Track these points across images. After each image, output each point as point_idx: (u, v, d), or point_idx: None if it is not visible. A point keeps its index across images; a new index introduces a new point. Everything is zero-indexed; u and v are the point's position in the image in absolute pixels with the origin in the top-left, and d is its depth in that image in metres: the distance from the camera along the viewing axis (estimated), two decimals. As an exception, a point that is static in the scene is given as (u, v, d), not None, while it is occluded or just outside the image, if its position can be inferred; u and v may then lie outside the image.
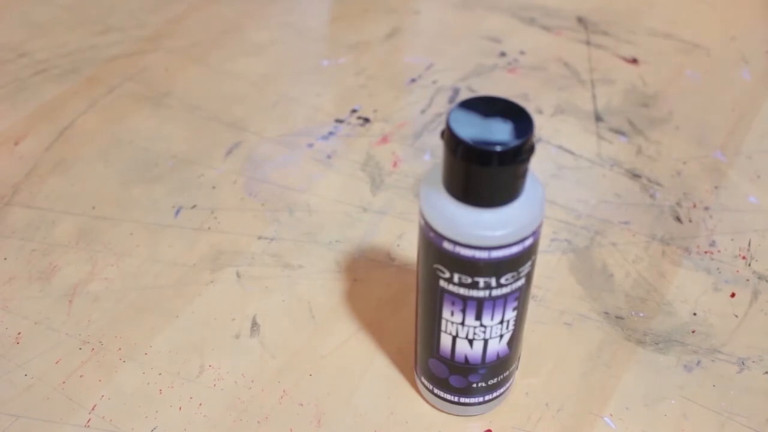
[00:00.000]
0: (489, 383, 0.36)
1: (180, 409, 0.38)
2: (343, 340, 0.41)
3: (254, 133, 0.54)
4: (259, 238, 0.46)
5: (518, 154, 0.28)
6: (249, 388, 0.39)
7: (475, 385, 0.36)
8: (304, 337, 0.41)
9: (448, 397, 0.37)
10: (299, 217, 0.48)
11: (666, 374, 0.39)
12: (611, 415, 0.38)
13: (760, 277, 0.43)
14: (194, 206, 0.48)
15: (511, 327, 0.33)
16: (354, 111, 0.55)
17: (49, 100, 0.56)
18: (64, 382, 0.39)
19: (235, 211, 0.48)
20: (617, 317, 0.41)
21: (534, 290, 0.43)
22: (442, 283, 0.32)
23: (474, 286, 0.31)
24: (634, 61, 0.59)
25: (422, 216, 0.31)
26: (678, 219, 0.47)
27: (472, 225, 0.29)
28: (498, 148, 0.27)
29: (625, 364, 0.40)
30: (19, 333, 0.41)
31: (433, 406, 0.38)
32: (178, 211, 0.48)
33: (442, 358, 0.35)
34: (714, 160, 0.50)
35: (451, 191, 0.30)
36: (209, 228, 0.47)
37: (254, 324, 0.42)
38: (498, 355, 0.34)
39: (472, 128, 0.28)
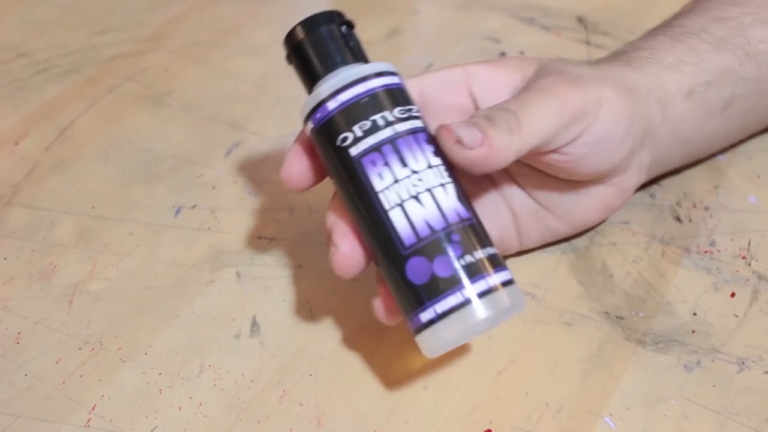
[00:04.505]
0: (475, 256, 0.34)
1: (180, 409, 0.38)
2: (343, 340, 0.41)
3: (254, 133, 0.54)
4: (259, 238, 0.46)
5: (327, 19, 0.37)
6: (249, 388, 0.39)
7: (462, 261, 0.34)
8: (304, 337, 0.41)
9: (451, 301, 0.33)
10: (299, 217, 0.48)
11: (666, 374, 0.39)
12: (611, 415, 0.38)
13: (760, 277, 0.43)
14: (194, 206, 0.48)
15: (445, 175, 0.35)
16: (354, 111, 0.55)
17: (49, 100, 0.56)
18: (64, 382, 0.39)
19: (235, 211, 0.48)
20: (617, 317, 0.42)
21: (533, 290, 0.43)
22: (353, 151, 0.35)
23: (376, 127, 0.35)
24: (634, 60, 0.59)
25: (308, 117, 0.36)
26: (678, 219, 0.47)
27: (338, 75, 0.36)
28: (310, 15, 0.38)
29: (625, 363, 0.40)
30: (19, 333, 0.42)
31: (449, 353, 0.35)
32: (178, 211, 0.48)
33: (412, 249, 0.34)
34: (714, 159, 0.50)
35: (315, 80, 0.37)
36: (209, 228, 0.47)
37: (254, 324, 0.42)
38: (458, 213, 0.34)
39: None
